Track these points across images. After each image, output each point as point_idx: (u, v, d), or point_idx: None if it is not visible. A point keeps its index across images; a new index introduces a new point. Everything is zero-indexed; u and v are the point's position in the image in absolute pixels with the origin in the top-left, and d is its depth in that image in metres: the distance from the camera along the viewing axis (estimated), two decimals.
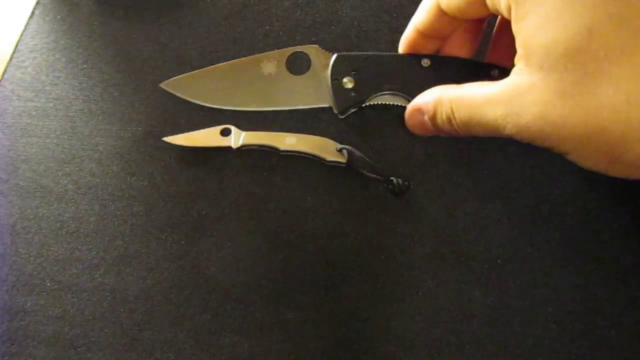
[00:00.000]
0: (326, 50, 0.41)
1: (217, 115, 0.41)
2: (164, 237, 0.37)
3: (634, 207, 0.37)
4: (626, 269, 0.35)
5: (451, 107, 0.31)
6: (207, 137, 0.40)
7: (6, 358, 0.34)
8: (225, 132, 0.40)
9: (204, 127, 0.40)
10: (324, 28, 0.46)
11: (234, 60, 0.42)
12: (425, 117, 0.34)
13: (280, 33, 0.45)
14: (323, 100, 0.40)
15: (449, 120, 0.31)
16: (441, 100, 0.32)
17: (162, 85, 0.41)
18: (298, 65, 0.42)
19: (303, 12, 0.46)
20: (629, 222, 0.36)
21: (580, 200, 0.37)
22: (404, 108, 0.38)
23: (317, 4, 0.47)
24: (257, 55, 0.42)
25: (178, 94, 0.41)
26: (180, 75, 0.41)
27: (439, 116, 0.32)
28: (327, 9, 0.47)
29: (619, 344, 0.33)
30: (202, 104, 0.41)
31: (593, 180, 0.38)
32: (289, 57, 0.42)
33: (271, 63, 0.41)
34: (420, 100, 0.35)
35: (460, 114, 0.30)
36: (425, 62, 0.38)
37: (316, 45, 0.42)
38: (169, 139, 0.40)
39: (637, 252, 0.35)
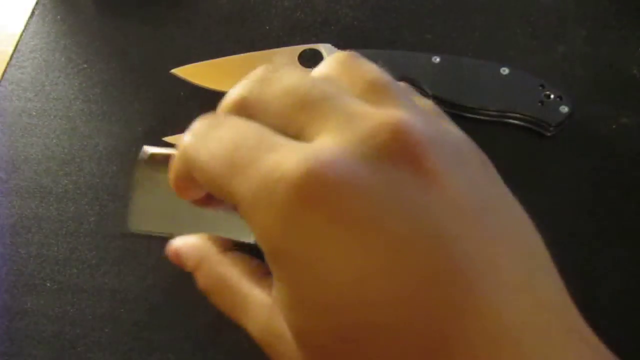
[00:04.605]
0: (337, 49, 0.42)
1: None
2: None
3: (634, 207, 0.37)
4: (627, 269, 0.35)
5: (212, 280, 0.25)
6: None
7: (6, 358, 0.34)
8: None
9: None
10: (324, 28, 0.46)
11: (245, 54, 0.42)
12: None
13: (280, 33, 0.45)
14: None
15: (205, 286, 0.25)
16: (203, 266, 0.25)
17: (174, 71, 0.41)
18: (309, 60, 0.42)
19: (303, 12, 0.46)
20: (630, 222, 0.36)
21: (580, 200, 0.37)
22: None
23: (317, 4, 0.47)
24: (269, 50, 0.42)
25: (188, 80, 0.41)
26: (191, 64, 0.41)
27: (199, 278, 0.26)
28: (327, 9, 0.47)
29: (619, 344, 0.33)
30: (211, 88, 0.40)
31: (593, 180, 0.38)
32: (301, 53, 0.42)
33: (283, 57, 0.42)
34: (183, 248, 0.26)
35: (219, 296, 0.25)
36: (436, 60, 0.40)
37: (328, 44, 0.42)
38: (169, 139, 0.40)
39: (638, 252, 0.35)
